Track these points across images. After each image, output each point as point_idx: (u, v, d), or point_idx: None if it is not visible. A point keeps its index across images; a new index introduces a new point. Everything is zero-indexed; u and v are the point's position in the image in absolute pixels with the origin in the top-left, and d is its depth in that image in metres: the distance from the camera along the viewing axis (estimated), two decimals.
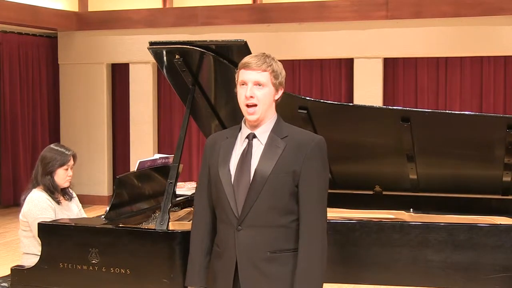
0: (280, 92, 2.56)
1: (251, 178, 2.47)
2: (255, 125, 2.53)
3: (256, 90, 2.48)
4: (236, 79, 2.55)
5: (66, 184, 3.73)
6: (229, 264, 2.50)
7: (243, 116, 2.58)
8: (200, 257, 2.62)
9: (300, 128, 2.64)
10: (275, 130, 2.54)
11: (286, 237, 2.50)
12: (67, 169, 3.69)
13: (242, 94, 2.50)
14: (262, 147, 2.51)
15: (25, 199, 3.67)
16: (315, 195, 2.50)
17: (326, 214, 2.56)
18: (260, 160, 2.49)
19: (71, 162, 3.71)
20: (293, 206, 2.50)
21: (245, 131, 2.56)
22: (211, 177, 2.59)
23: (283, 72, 2.56)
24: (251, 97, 2.47)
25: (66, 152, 3.71)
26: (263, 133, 2.53)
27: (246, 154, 2.51)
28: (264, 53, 2.55)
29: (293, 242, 2.50)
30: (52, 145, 3.78)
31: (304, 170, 2.48)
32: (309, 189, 2.49)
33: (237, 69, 2.57)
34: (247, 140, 2.54)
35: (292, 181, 2.48)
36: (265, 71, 2.48)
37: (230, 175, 2.50)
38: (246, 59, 2.52)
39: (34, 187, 3.68)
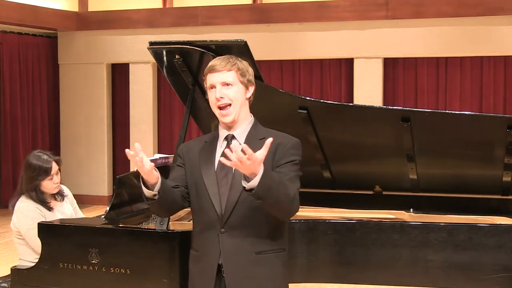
0: (251, 90, 2.55)
1: (231, 179, 2.47)
2: (231, 126, 2.53)
3: (225, 90, 2.48)
4: (205, 86, 2.56)
5: (55, 191, 3.64)
6: (210, 267, 2.48)
7: None
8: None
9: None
10: (252, 132, 2.54)
11: (270, 237, 2.49)
12: (51, 178, 3.58)
13: (213, 97, 2.50)
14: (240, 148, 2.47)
15: (13, 206, 3.60)
16: (292, 168, 2.44)
17: (299, 188, 2.46)
18: None
19: (54, 169, 3.58)
20: None
21: (222, 133, 2.56)
22: (189, 182, 2.55)
23: (250, 70, 2.57)
24: (222, 97, 2.48)
25: (48, 159, 3.57)
26: (241, 134, 2.54)
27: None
28: (228, 55, 2.57)
29: (277, 242, 2.51)
30: (32, 155, 3.61)
31: (279, 158, 2.44)
32: (284, 166, 2.43)
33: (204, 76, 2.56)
34: (225, 141, 2.53)
35: None
36: (230, 70, 2.49)
37: (216, 176, 2.50)
38: (211, 63, 2.54)
39: (22, 193, 3.61)
